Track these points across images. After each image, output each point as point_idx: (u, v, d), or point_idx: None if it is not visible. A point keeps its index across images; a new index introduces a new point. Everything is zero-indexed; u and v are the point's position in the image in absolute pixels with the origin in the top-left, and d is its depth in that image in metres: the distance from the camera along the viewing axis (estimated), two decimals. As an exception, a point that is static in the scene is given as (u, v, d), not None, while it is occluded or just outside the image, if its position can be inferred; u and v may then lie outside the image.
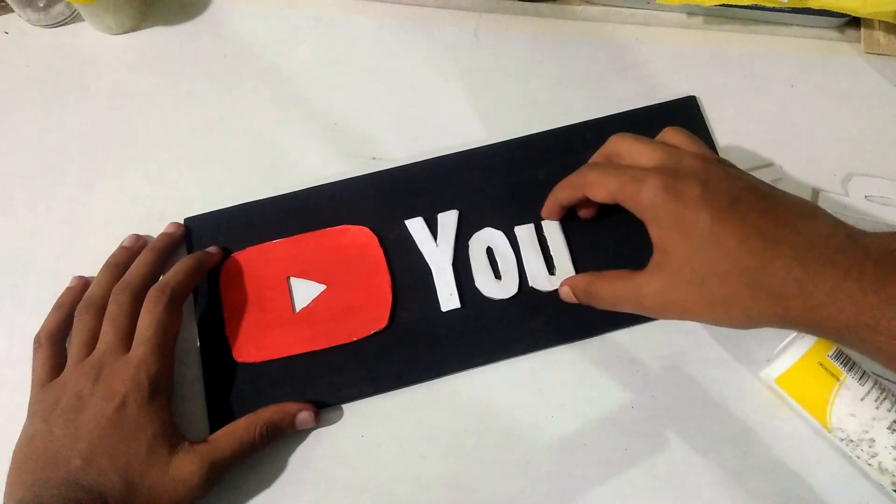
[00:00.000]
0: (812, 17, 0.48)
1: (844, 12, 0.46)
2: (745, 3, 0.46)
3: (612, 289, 0.37)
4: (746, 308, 0.32)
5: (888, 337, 0.29)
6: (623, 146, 0.37)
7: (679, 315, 0.34)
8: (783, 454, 0.39)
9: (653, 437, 0.39)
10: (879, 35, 0.48)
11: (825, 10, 0.46)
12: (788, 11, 0.47)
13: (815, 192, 0.44)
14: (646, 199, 0.34)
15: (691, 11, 0.49)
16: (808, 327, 0.32)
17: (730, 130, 0.46)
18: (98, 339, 0.38)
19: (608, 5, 0.50)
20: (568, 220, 0.43)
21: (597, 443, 0.39)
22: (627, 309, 0.36)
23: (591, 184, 0.37)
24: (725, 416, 0.40)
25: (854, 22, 0.48)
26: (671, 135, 0.38)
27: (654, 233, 0.35)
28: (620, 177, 0.35)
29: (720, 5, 0.47)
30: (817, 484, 0.38)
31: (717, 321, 0.34)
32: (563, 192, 0.40)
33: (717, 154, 0.37)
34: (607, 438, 0.39)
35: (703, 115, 0.46)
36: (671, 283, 0.34)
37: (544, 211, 0.42)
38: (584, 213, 0.42)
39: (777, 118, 0.47)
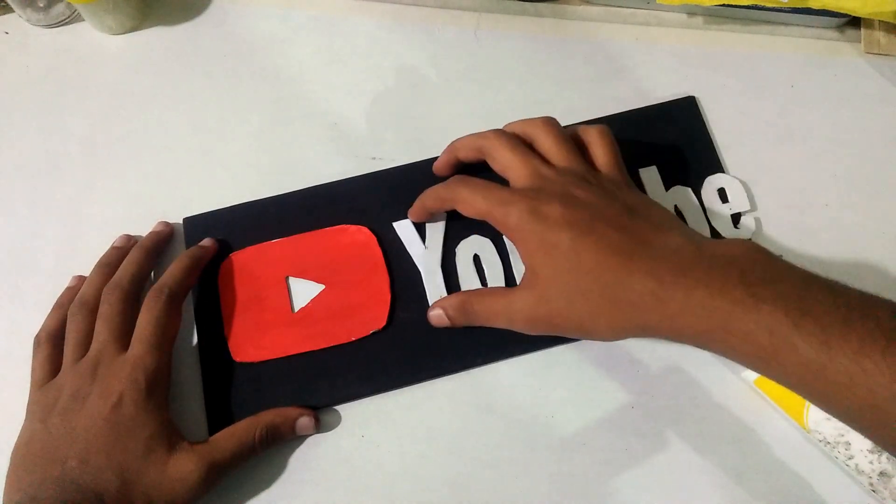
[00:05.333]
0: (812, 17, 0.48)
1: (844, 12, 0.46)
2: (745, 3, 0.46)
3: (486, 305, 0.38)
4: (610, 322, 0.34)
5: (740, 338, 0.30)
6: (497, 151, 0.39)
7: (547, 329, 0.36)
8: (783, 454, 0.39)
9: (653, 437, 0.39)
10: (879, 35, 0.48)
11: (825, 10, 0.46)
12: (788, 11, 0.47)
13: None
14: (513, 223, 0.36)
15: (691, 11, 0.49)
16: (670, 335, 0.33)
17: (730, 130, 0.46)
18: (92, 338, 0.38)
19: (608, 5, 0.50)
20: None
21: (597, 443, 0.39)
22: (501, 324, 0.37)
23: (461, 200, 0.38)
24: (725, 416, 0.40)
25: (854, 22, 0.48)
26: (544, 143, 0.39)
27: (523, 253, 0.36)
28: (489, 199, 0.37)
29: (720, 5, 0.47)
30: (817, 484, 0.38)
31: (584, 334, 0.36)
32: (431, 202, 0.41)
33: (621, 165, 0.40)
34: (607, 438, 0.39)
35: (703, 115, 0.46)
36: (539, 301, 0.35)
37: (411, 211, 0.43)
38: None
39: (777, 118, 0.47)
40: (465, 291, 0.41)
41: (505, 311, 0.37)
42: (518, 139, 0.39)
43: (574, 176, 0.37)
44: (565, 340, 0.41)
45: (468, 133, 0.40)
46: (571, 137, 0.40)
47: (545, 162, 0.38)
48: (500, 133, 0.40)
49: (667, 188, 0.44)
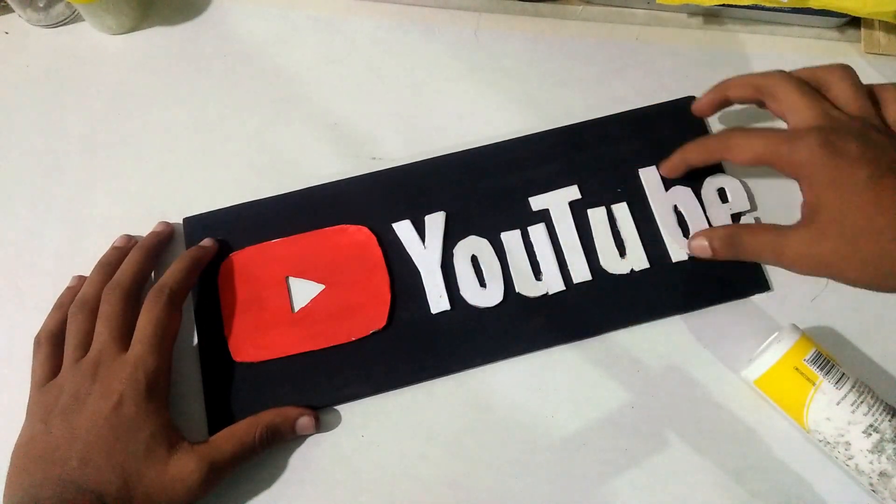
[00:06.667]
0: (812, 17, 0.48)
1: (844, 12, 0.46)
2: (745, 3, 0.46)
3: (756, 238, 0.36)
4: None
5: None
6: (780, 90, 0.37)
7: (822, 270, 0.34)
8: (783, 454, 0.39)
9: (653, 437, 0.39)
10: (879, 35, 0.48)
11: (825, 10, 0.46)
12: (788, 11, 0.47)
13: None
14: (801, 158, 0.34)
15: (691, 11, 0.49)
16: None
17: (730, 130, 0.46)
18: (92, 339, 0.38)
19: (608, 5, 0.50)
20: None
21: (597, 443, 0.39)
22: (768, 260, 0.36)
23: (736, 146, 0.37)
24: (725, 415, 0.40)
25: (854, 22, 0.48)
26: (839, 89, 0.37)
27: (808, 190, 0.34)
28: (770, 139, 0.35)
29: (720, 5, 0.47)
30: (817, 484, 0.38)
31: (861, 280, 0.33)
32: (697, 154, 0.39)
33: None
34: (607, 438, 0.39)
35: (703, 115, 0.46)
36: (820, 238, 0.33)
37: (665, 168, 0.41)
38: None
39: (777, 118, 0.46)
40: (733, 224, 0.39)
41: (776, 246, 0.35)
42: (805, 82, 0.37)
43: (868, 123, 0.35)
44: (565, 340, 0.41)
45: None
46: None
47: (835, 108, 0.36)
48: (785, 73, 0.38)
49: (667, 188, 0.44)
